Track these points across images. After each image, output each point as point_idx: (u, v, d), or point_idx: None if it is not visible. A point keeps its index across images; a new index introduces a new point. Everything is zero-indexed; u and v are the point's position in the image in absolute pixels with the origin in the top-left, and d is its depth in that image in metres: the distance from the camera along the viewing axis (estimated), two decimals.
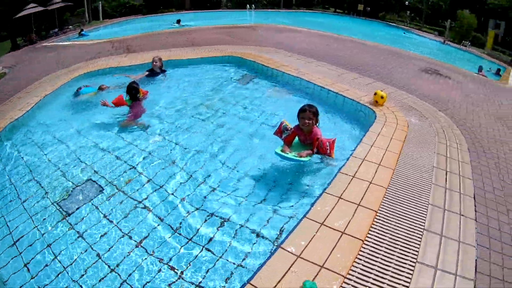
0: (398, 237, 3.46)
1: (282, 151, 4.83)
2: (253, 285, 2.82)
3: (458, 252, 3.37)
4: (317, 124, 5.01)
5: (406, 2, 41.83)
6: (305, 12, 38.00)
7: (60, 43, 22.08)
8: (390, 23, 37.61)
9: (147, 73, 9.65)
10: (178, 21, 23.37)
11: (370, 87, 7.85)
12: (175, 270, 3.45)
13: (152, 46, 14.69)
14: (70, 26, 28.49)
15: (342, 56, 11.05)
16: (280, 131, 5.13)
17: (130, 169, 5.27)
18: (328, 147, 4.76)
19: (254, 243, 3.74)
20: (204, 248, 3.68)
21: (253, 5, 34.14)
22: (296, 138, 5.15)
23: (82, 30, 24.87)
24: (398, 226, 3.60)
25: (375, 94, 6.80)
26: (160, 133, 6.47)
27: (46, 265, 3.58)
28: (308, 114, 4.92)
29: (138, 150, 5.84)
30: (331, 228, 3.49)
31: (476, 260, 3.34)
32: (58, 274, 3.47)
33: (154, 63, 9.61)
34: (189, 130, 6.59)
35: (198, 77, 9.88)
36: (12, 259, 3.74)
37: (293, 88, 8.24)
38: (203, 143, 6.08)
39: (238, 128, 6.58)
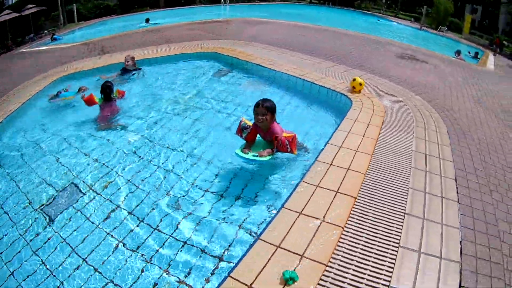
0: (379, 222, 3.40)
1: (242, 151, 4.64)
2: (233, 278, 2.75)
3: (442, 235, 3.33)
4: (275, 120, 4.72)
5: None
6: (280, 4, 37.95)
7: (36, 49, 21.77)
8: (366, 12, 37.89)
9: (120, 72, 9.50)
10: (147, 20, 23.18)
11: (345, 74, 7.83)
12: (159, 267, 3.38)
13: (127, 45, 14.50)
14: (46, 31, 28.11)
15: (316, 45, 11.03)
16: (240, 130, 4.86)
17: (108, 172, 5.16)
18: (287, 145, 4.41)
19: (234, 238, 3.66)
20: (185, 244, 3.61)
21: (227, 0, 34.12)
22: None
23: (53, 34, 24.42)
24: (378, 212, 3.55)
25: (353, 80, 6.75)
26: (137, 132, 6.36)
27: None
28: (261, 109, 4.59)
29: (116, 150, 5.74)
30: (310, 216, 3.44)
31: (460, 242, 3.29)
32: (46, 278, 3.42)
33: (126, 62, 9.45)
34: (165, 126, 6.52)
35: (173, 74, 9.78)
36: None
37: (268, 80, 8.18)
38: (180, 139, 6.02)
39: (215, 122, 6.51)
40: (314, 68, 8.22)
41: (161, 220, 4.01)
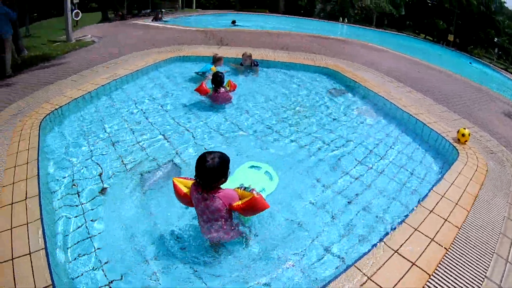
0: (461, 278, 3.54)
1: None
2: None
3: None
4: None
5: (495, 39, 40.40)
6: (396, 34, 37.48)
7: (151, 23, 23.60)
8: (477, 58, 36.39)
9: (240, 64, 10.33)
10: (233, 22, 24.07)
11: (455, 123, 7.78)
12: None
13: (244, 42, 15.32)
14: (163, 10, 30.03)
15: (429, 85, 10.85)
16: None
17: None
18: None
19: (324, 258, 3.91)
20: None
21: (345, 19, 34.29)
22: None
23: (161, 16, 26.27)
24: (463, 268, 3.67)
25: (459, 131, 6.73)
26: (245, 130, 6.91)
27: None
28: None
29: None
30: (403, 257, 3.66)
31: None
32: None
33: (244, 59, 10.21)
34: (277, 131, 6.94)
35: (289, 81, 10.21)
36: None
37: (382, 111, 8.28)
38: (290, 149, 6.29)
39: (324, 138, 6.76)
40: (427, 109, 8.22)
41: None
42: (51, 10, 37.51)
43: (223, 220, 3.54)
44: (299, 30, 22.70)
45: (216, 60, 10.06)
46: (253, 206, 3.50)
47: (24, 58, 12.92)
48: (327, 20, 37.03)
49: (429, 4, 49.35)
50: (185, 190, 3.67)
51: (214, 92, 7.71)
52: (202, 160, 3.33)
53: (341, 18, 34.75)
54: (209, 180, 3.37)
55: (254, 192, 3.65)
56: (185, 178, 3.81)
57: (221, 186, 3.54)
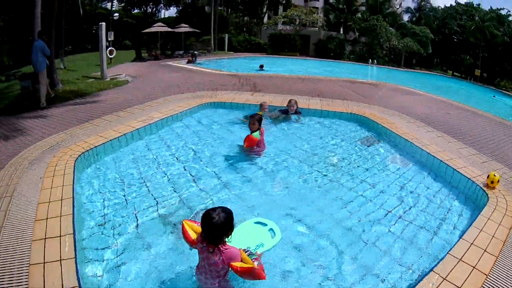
0: None
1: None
2: None
3: None
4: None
5: None
6: (425, 73, 37.74)
7: (184, 65, 24.41)
8: (503, 91, 36.00)
9: (280, 113, 10.90)
10: (261, 66, 24.75)
11: (484, 166, 7.91)
12: None
13: (278, 88, 15.76)
14: (195, 52, 31.04)
15: (459, 127, 11.22)
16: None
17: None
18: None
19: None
20: None
21: (374, 60, 34.88)
22: None
23: (195, 58, 27.24)
24: None
25: (489, 177, 6.84)
26: (279, 179, 7.23)
27: None
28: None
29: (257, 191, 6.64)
30: None
31: None
32: None
33: (291, 107, 10.78)
34: (307, 181, 7.21)
35: (322, 129, 10.61)
36: None
37: (413, 158, 8.51)
38: (323, 200, 6.50)
39: (359, 189, 6.96)
40: (457, 154, 8.40)
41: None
42: (85, 44, 39.73)
43: (217, 275, 3.63)
44: (329, 74, 23.18)
45: (262, 108, 10.64)
46: (249, 274, 3.63)
47: (58, 92, 13.65)
48: (356, 62, 37.64)
49: (455, 40, 49.71)
50: (193, 236, 3.78)
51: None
52: (208, 217, 3.41)
53: (370, 60, 35.34)
54: (216, 236, 3.46)
55: (256, 262, 3.73)
56: (195, 222, 3.96)
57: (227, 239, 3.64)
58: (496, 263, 4.61)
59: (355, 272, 4.65)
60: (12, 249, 4.39)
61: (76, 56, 31.79)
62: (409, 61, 45.80)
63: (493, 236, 5.21)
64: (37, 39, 12.11)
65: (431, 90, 19.54)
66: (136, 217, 5.62)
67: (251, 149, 8.05)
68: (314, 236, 5.34)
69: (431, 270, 4.39)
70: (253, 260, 3.77)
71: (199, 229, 3.72)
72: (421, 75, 34.56)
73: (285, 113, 10.90)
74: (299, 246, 5.07)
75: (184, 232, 3.84)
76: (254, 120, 7.81)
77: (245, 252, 3.86)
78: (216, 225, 3.38)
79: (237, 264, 3.59)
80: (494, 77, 44.03)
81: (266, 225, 5.21)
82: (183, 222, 3.92)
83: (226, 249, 3.54)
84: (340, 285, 4.40)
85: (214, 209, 3.47)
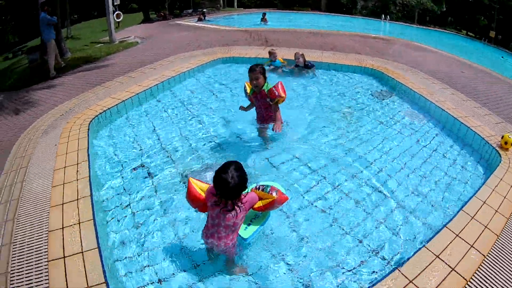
0: (498, 284, 3.67)
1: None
2: None
3: None
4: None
5: None
6: (438, 31, 36.79)
7: (194, 24, 24.07)
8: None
9: (294, 66, 10.75)
10: (264, 17, 24.80)
11: (498, 126, 7.82)
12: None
13: (291, 43, 15.47)
14: (204, 9, 30.51)
15: (474, 87, 10.98)
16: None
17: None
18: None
19: (371, 260, 4.22)
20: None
21: (387, 16, 34.04)
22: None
23: (204, 16, 26.99)
24: (500, 275, 3.78)
25: (503, 137, 6.75)
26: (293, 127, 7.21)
27: None
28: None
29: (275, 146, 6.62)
30: (444, 262, 3.85)
31: None
32: None
33: (297, 59, 10.57)
34: (323, 132, 7.30)
35: (336, 83, 10.49)
36: None
37: (428, 114, 8.43)
38: (337, 154, 6.52)
39: (373, 142, 7.02)
40: (471, 113, 8.27)
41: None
42: (91, 12, 38.97)
43: (233, 229, 3.53)
44: (341, 29, 22.74)
45: (272, 56, 10.72)
46: (273, 206, 3.82)
47: (67, 61, 13.72)
48: (369, 18, 36.80)
49: (470, 0, 48.28)
50: (201, 193, 3.65)
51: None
52: (222, 181, 3.27)
53: (383, 16, 34.47)
54: (235, 195, 3.40)
55: (273, 192, 3.81)
56: (200, 181, 3.80)
57: None
58: (507, 224, 4.63)
59: (368, 225, 4.79)
60: (31, 217, 4.47)
61: (83, 24, 31.59)
62: (422, 18, 44.45)
63: (505, 197, 5.20)
64: (41, 12, 12.23)
65: (444, 48, 19.03)
66: (151, 175, 5.70)
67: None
68: (335, 190, 5.48)
69: (445, 226, 4.45)
70: (270, 192, 3.82)
71: (205, 187, 3.68)
72: (434, 33, 33.57)
73: (296, 66, 10.74)
74: (320, 195, 5.33)
75: (191, 190, 3.67)
76: (257, 74, 5.88)
77: (258, 190, 3.89)
78: (233, 187, 3.29)
79: (259, 203, 3.71)
80: (510, 40, 42.91)
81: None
82: (190, 180, 3.76)
83: (246, 200, 3.52)
84: (355, 236, 4.58)
85: (225, 171, 3.30)
